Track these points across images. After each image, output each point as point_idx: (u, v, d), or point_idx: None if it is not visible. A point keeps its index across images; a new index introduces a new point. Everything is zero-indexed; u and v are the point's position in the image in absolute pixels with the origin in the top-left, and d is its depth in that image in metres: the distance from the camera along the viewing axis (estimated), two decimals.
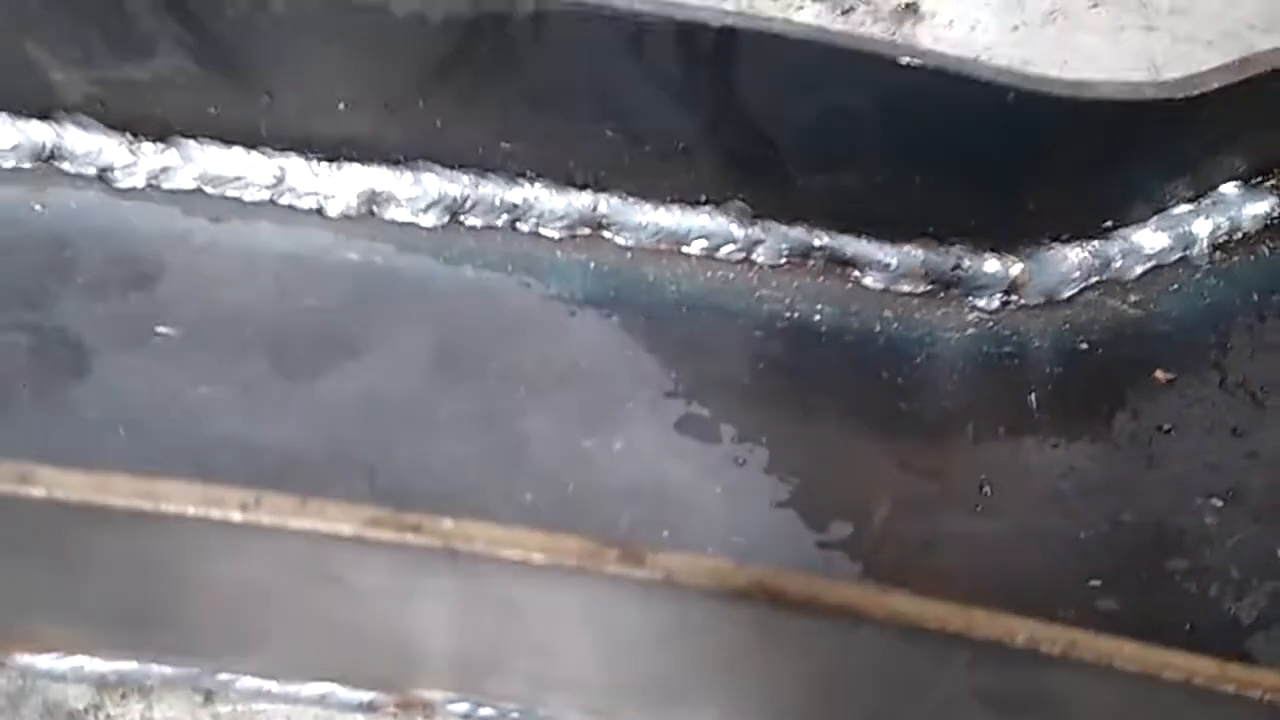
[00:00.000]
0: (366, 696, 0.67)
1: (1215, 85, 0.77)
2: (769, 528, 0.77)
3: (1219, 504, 0.79)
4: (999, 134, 0.81)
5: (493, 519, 0.64)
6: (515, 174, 0.86)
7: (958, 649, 0.54)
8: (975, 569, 0.77)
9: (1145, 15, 1.13)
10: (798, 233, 0.88)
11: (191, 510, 0.51)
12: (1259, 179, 0.90)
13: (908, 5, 1.12)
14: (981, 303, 0.89)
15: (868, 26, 1.10)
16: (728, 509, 0.77)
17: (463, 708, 0.67)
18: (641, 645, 0.58)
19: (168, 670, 0.66)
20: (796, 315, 0.87)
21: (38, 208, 0.82)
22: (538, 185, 0.86)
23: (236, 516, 0.51)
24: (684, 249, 0.87)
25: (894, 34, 1.11)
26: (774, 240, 0.88)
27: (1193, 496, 0.79)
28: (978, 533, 0.78)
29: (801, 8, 1.11)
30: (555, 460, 0.78)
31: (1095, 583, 0.76)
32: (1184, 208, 0.89)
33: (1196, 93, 0.76)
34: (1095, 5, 1.13)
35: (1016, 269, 0.89)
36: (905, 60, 0.76)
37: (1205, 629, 0.74)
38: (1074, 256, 0.89)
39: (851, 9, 1.11)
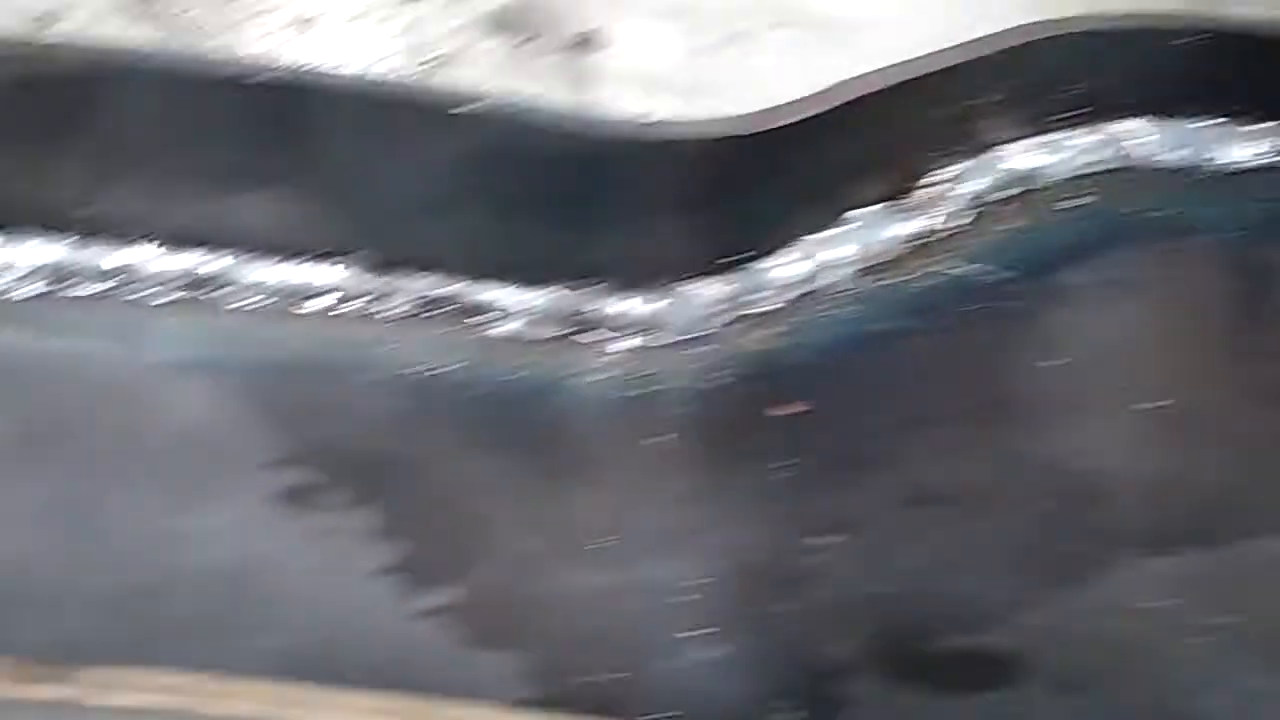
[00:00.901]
0: None
1: (793, 119, 0.75)
2: (366, 598, 0.74)
3: (828, 540, 0.77)
4: (594, 176, 0.79)
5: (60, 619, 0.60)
6: (119, 237, 0.82)
7: None
8: (582, 624, 0.74)
9: (828, 35, 1.12)
10: (421, 283, 0.85)
11: None
12: (894, 201, 0.88)
13: (585, 34, 1.09)
14: (619, 344, 0.86)
15: (545, 56, 1.07)
16: (321, 583, 0.74)
17: None
18: None
19: None
20: (423, 368, 0.84)
21: None
22: (143, 247, 0.82)
23: None
24: (300, 308, 0.84)
25: (574, 62, 1.08)
26: (397, 292, 0.84)
27: (804, 533, 0.77)
28: (591, 585, 0.76)
29: (477, 42, 1.08)
30: (136, 547, 0.74)
31: (699, 631, 0.73)
32: (818, 236, 0.88)
33: (769, 127, 0.74)
34: (776, 26, 1.11)
35: (650, 308, 0.86)
36: (470, 111, 0.73)
37: (807, 671, 0.71)
38: (709, 292, 0.86)
39: (530, 38, 1.09)
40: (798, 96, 0.82)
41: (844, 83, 0.76)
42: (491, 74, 1.05)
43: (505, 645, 0.73)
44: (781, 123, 0.74)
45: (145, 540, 0.74)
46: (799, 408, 0.83)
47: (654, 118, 0.77)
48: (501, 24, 1.09)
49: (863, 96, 0.77)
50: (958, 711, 0.70)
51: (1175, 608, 0.73)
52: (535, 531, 0.78)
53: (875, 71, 0.78)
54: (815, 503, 0.79)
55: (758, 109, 0.76)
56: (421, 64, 1.05)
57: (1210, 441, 0.80)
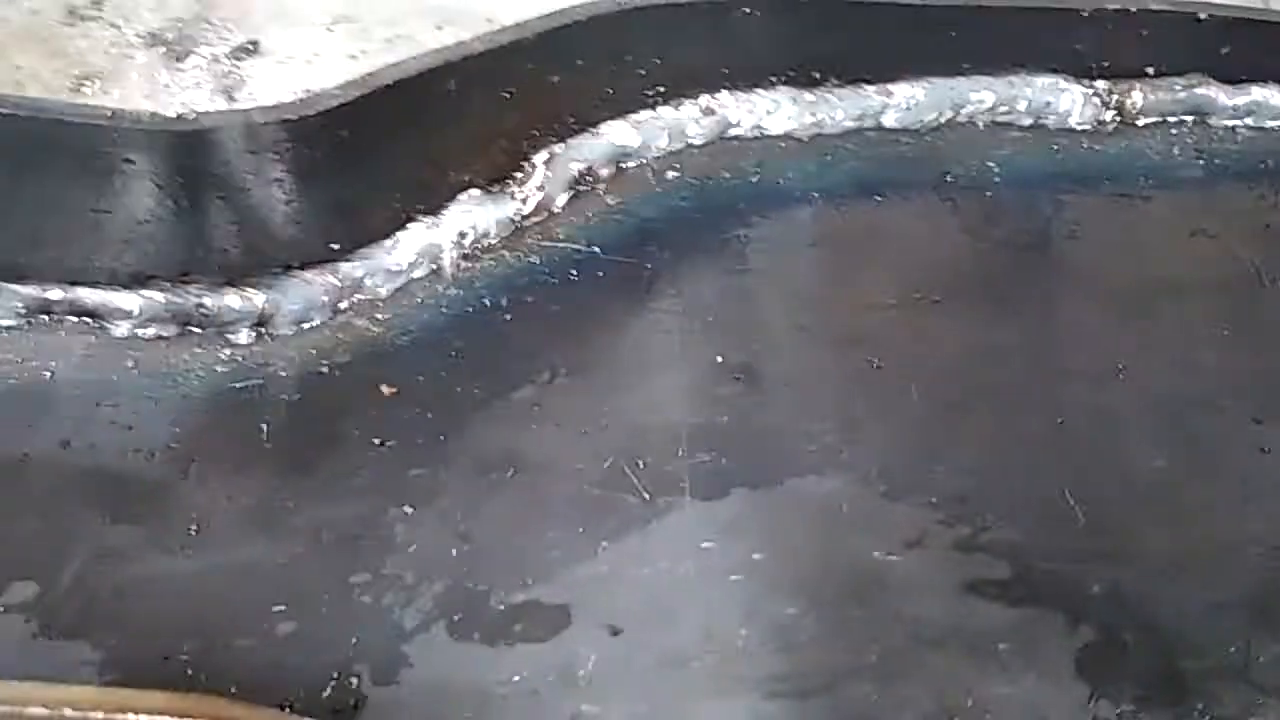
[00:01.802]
0: None
1: (333, 104, 0.78)
2: None
3: (410, 511, 0.80)
4: (178, 172, 0.82)
5: None
6: None
7: None
8: (164, 610, 0.76)
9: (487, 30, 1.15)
10: (30, 290, 0.87)
11: None
12: (498, 186, 0.92)
13: (247, 45, 1.12)
14: (234, 338, 0.89)
15: (204, 69, 1.10)
16: None
17: None
18: None
19: None
20: (32, 372, 0.86)
21: None
22: None
23: None
24: None
25: (231, 74, 1.11)
26: (7, 299, 0.87)
27: (390, 506, 0.80)
28: (176, 573, 0.78)
29: (132, 58, 1.10)
30: None
31: (279, 607, 0.76)
32: (426, 220, 0.91)
33: (310, 113, 0.78)
34: (440, 26, 1.15)
35: (261, 301, 0.89)
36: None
37: (368, 639, 0.74)
38: (321, 281, 0.89)
39: (189, 53, 1.11)
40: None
41: (375, 72, 0.80)
42: (146, 88, 1.08)
43: (80, 635, 0.75)
44: (323, 107, 0.77)
45: None
46: (389, 389, 0.86)
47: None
48: (161, 39, 1.12)
49: (406, 79, 0.80)
50: (515, 661, 0.73)
51: (721, 547, 0.76)
52: (122, 527, 0.80)
53: (429, 53, 0.81)
54: (403, 475, 0.82)
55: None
56: (76, 80, 1.08)
57: (778, 390, 0.84)
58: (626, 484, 0.79)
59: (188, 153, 0.79)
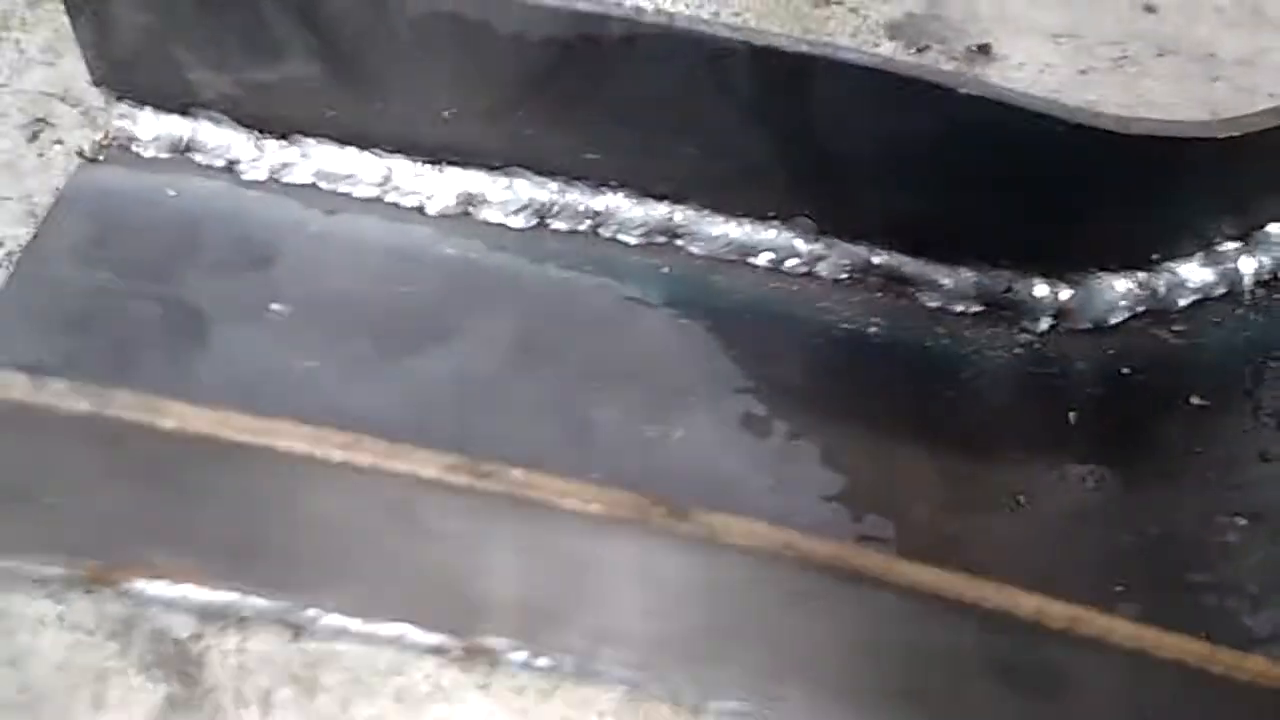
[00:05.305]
0: (436, 640, 0.74)
1: (1257, 129, 0.81)
2: (813, 519, 0.83)
3: (1242, 523, 0.83)
4: (1049, 165, 0.87)
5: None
6: (599, 183, 0.94)
7: (969, 619, 0.59)
8: (1004, 569, 0.81)
9: (1210, 66, 1.18)
10: (859, 250, 0.94)
11: (298, 447, 0.58)
12: None
13: (980, 46, 1.18)
14: (1031, 325, 0.94)
15: (941, 65, 1.16)
16: (775, 499, 0.84)
17: (521, 656, 0.74)
18: (684, 600, 0.65)
19: (261, 603, 0.74)
20: (854, 327, 0.93)
21: (172, 193, 0.92)
22: (619, 194, 0.94)
23: (337, 455, 0.58)
24: (752, 260, 0.94)
25: (969, 71, 1.17)
26: (836, 256, 0.94)
27: (1217, 515, 0.83)
28: (1010, 536, 0.84)
29: (878, 45, 1.17)
30: (620, 445, 0.85)
31: (1119, 588, 0.80)
32: (1231, 245, 0.94)
33: (1238, 134, 0.81)
34: (1162, 54, 1.18)
35: (1066, 295, 0.94)
36: (964, 91, 0.82)
37: (1221, 637, 0.78)
38: (1121, 286, 0.94)
39: (926, 47, 1.18)
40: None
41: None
42: None
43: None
44: (1244, 131, 0.81)
45: (627, 442, 0.84)
46: (1199, 401, 0.90)
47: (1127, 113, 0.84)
48: (899, 31, 1.19)
49: None
50: None
51: None
52: (954, 483, 0.86)
53: None
54: (1219, 487, 0.85)
55: (1216, 119, 0.83)
56: None
57: None
58: None
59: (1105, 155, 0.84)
